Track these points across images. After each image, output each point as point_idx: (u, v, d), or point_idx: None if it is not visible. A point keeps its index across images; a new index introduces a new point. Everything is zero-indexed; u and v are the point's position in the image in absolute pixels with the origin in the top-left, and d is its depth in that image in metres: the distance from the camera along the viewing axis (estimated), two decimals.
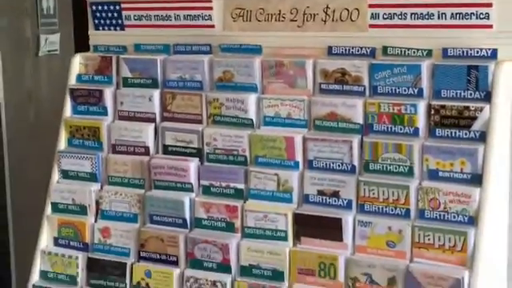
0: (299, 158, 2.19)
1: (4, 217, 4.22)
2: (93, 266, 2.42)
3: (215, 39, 2.39)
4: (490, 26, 2.01)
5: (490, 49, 2.02)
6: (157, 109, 2.42)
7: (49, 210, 2.52)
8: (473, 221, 1.94)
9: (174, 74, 2.41)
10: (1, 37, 4.20)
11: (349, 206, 2.11)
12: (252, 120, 2.27)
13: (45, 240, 2.51)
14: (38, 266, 2.51)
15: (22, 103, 4.29)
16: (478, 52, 2.03)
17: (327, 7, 2.21)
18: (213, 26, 2.39)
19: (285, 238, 2.17)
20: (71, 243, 2.47)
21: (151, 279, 2.32)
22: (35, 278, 2.49)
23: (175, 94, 2.39)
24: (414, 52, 2.11)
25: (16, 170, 4.18)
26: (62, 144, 2.54)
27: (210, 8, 2.38)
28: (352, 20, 2.19)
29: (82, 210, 2.47)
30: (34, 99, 4.28)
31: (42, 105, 4.09)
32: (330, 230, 2.11)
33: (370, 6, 2.16)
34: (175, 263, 2.30)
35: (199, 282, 2.25)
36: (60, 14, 4.51)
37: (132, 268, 2.36)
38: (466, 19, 2.04)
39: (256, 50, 2.32)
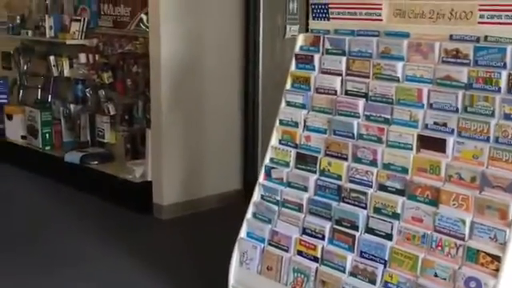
0: (425, 101, 2.23)
1: (256, 135, 4.64)
2: (299, 157, 2.54)
3: (382, 27, 2.42)
4: None
5: None
6: (343, 68, 2.47)
7: (277, 123, 2.63)
8: None
9: (355, 48, 2.45)
10: (264, 27, 4.46)
11: (452, 132, 2.15)
12: (399, 77, 2.31)
13: (274, 140, 2.64)
14: (268, 156, 2.63)
15: (273, 67, 4.52)
16: None
17: (452, 10, 2.23)
18: (381, 20, 2.42)
19: (411, 149, 2.23)
20: (288, 143, 2.59)
21: (331, 167, 2.43)
22: (267, 160, 2.63)
23: (355, 59, 2.44)
24: (503, 39, 2.10)
25: (265, 107, 4.48)
26: (288, 86, 2.64)
27: (380, 9, 2.42)
28: (467, 18, 2.19)
29: (296, 124, 2.58)
30: (280, 64, 4.40)
31: (285, 68, 4.44)
32: (439, 146, 2.16)
33: (480, 10, 2.16)
34: (346, 159, 2.39)
35: (358, 171, 2.34)
36: (300, 13, 4.63)
37: (320, 160, 2.47)
38: None
39: (406, 35, 2.34)
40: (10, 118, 5.41)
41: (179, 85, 4.21)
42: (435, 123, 2.21)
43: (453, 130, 2.16)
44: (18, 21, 5.45)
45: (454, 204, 2.09)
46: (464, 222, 2.06)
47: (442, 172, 2.15)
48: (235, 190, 4.55)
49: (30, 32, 5.29)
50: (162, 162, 4.19)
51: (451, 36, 2.24)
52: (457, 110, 2.17)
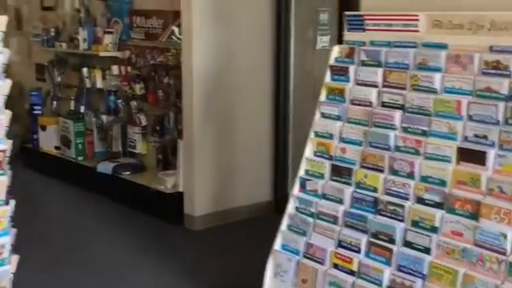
0: (464, 113, 2.21)
1: (286, 147, 4.60)
2: (334, 169, 2.52)
3: (419, 39, 2.40)
4: None
5: None
6: (379, 80, 2.47)
7: (312, 135, 2.62)
8: None
9: (392, 59, 2.45)
10: (295, 38, 4.43)
11: (493, 145, 2.12)
12: (436, 89, 2.29)
13: (308, 152, 2.62)
14: (303, 168, 2.61)
15: (304, 78, 4.49)
16: None
17: (492, 21, 2.20)
18: (418, 31, 2.41)
19: (450, 161, 2.20)
20: (323, 155, 2.58)
21: (367, 179, 2.40)
22: (301, 172, 2.62)
23: (391, 71, 2.44)
24: None
25: (296, 118, 4.46)
26: (323, 97, 2.64)
27: (417, 20, 2.41)
28: (507, 29, 2.16)
29: (331, 136, 2.56)
30: (311, 75, 4.44)
31: (316, 79, 4.37)
32: (479, 158, 2.12)
33: None
34: (382, 171, 2.37)
35: (395, 183, 2.31)
36: (330, 24, 4.55)
37: (356, 172, 2.44)
38: None
39: (443, 46, 2.32)
40: (43, 128, 5.48)
41: (211, 96, 4.21)
42: (475, 135, 2.18)
43: (493, 143, 2.14)
44: (53, 33, 5.53)
45: (495, 218, 2.04)
46: (506, 237, 2.01)
47: (483, 185, 2.12)
48: (266, 202, 4.52)
49: (64, 44, 5.36)
50: (194, 173, 4.19)
51: (491, 47, 2.21)
52: (497, 123, 2.14)
